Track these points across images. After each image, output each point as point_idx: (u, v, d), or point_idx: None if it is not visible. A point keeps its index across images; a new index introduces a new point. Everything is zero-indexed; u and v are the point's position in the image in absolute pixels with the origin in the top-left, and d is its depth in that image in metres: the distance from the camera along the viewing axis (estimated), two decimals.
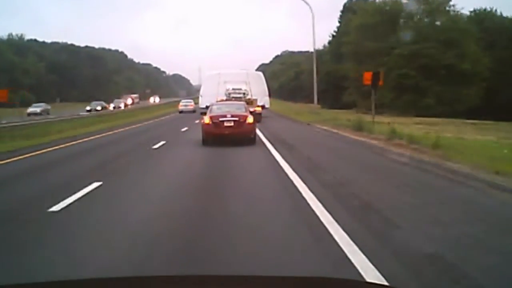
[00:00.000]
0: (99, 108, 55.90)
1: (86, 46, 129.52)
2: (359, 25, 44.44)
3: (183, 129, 23.39)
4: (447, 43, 39.25)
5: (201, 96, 32.55)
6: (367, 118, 21.15)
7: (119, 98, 79.49)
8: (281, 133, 19.29)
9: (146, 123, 31.55)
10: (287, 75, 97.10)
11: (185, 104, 49.27)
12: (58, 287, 2.04)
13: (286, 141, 15.91)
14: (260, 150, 13.47)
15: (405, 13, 44.09)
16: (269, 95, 35.76)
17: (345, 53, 47.09)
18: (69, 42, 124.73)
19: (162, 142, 16.07)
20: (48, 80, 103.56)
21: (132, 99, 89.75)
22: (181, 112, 46.41)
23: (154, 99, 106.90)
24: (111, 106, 65.06)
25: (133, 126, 27.84)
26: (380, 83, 20.61)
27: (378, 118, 26.84)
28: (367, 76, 20.63)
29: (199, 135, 18.82)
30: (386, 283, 3.55)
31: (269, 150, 13.24)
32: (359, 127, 18.53)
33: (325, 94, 58.03)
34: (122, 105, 66.94)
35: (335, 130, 20.26)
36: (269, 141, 15.88)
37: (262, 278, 2.30)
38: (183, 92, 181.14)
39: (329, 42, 71.41)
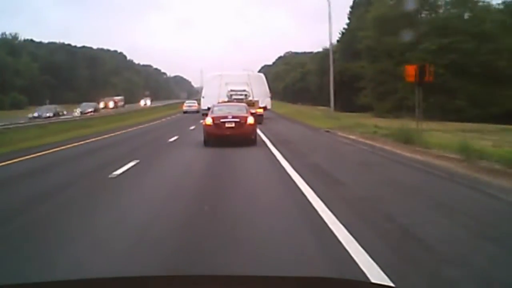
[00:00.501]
0: (48, 114, 43.38)
1: (83, 46, 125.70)
2: (376, 18, 39.45)
3: (172, 139, 18.43)
4: (480, 37, 34.22)
5: (203, 98, 32.58)
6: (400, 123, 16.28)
7: (88, 101, 63.91)
8: (301, 147, 14.47)
9: (128, 130, 26.03)
10: (292, 76, 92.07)
11: (189, 105, 51.81)
12: (58, 287, 2.01)
13: (312, 161, 11.05)
14: (283, 184, 8.34)
15: (427, 4, 39.20)
16: (271, 97, 35.70)
17: (360, 50, 42.14)
18: (66, 43, 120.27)
19: (132, 163, 11.05)
20: (42, 81, 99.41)
21: (115, 102, 79.06)
22: (185, 112, 48.74)
23: (145, 102, 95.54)
24: (77, 111, 52.72)
25: (103, 137, 21.07)
26: (429, 78, 15.78)
27: (407, 124, 22.45)
28: (410, 71, 15.81)
29: (190, 147, 14.85)
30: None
31: (294, 182, 8.26)
32: (406, 138, 13.64)
33: (336, 95, 53.21)
34: (91, 110, 54.02)
35: (369, 142, 15.38)
36: (286, 159, 11.03)
37: (262, 278, 2.23)
38: (184, 93, 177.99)
39: (338, 40, 66.77)
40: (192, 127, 24.27)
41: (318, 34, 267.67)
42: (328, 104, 64.54)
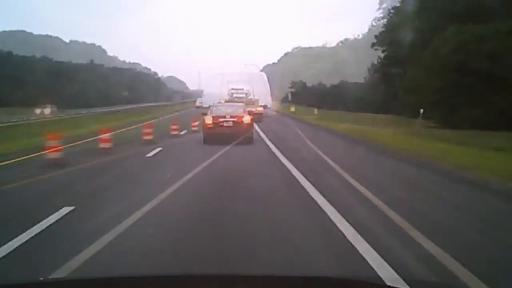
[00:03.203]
0: None
1: (47, 35, 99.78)
2: None
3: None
4: None
5: (205, 96, 37.45)
6: None
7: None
8: None
9: None
10: (320, 69, 64.75)
11: (200, 101, 57.52)
12: (58, 286, 2.01)
13: None
14: None
15: None
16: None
17: None
18: (21, 29, 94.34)
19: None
20: None
21: None
22: (197, 107, 57.69)
23: (42, 111, 47.15)
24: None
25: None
26: None
27: None
28: None
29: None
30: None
31: None
32: None
33: (444, 97, 26.37)
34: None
35: None
36: None
37: (263, 278, 2.29)
38: (178, 96, 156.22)
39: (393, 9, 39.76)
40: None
41: (323, 30, 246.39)
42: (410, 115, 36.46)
